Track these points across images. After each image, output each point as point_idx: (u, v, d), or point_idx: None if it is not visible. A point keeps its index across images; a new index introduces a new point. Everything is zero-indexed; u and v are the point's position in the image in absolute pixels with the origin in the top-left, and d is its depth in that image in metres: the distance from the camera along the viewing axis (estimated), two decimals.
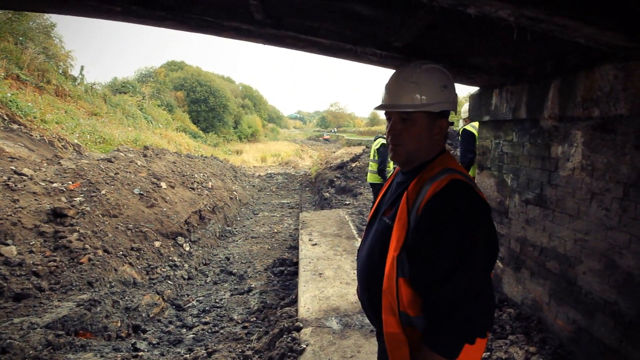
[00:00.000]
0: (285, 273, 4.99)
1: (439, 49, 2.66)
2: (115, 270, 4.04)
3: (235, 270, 5.23)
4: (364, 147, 17.07)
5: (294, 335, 2.72)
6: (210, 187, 8.11)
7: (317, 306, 3.12)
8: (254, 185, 12.15)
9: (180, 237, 5.49)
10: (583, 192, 2.21)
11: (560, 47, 2.33)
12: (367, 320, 2.83)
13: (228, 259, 5.75)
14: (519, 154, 2.87)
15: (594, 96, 2.06)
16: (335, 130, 65.07)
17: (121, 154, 7.22)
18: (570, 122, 2.31)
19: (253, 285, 4.71)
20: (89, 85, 15.17)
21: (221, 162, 12.19)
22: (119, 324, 3.47)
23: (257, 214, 8.95)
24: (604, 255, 2.09)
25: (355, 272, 3.83)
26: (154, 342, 3.42)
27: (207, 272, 5.22)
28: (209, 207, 7.11)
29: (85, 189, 5.01)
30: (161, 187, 6.34)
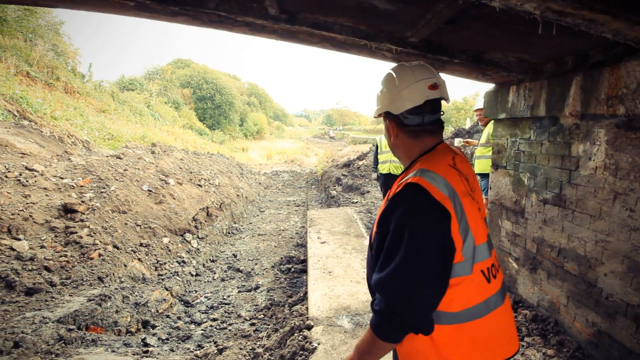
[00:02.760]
0: (292, 270, 4.97)
1: (456, 44, 2.60)
2: (125, 265, 4.05)
3: (243, 267, 5.23)
4: (371, 145, 17.00)
5: (305, 333, 2.70)
6: (217, 184, 8.11)
7: (327, 305, 3.09)
8: (260, 183, 12.15)
9: (188, 234, 5.50)
10: (606, 191, 2.15)
11: (582, 42, 2.26)
12: None
13: (235, 255, 5.75)
14: (537, 152, 2.80)
15: (619, 93, 1.99)
16: (341, 128, 64.99)
17: (129, 150, 7.26)
18: (593, 119, 2.24)
19: (260, 283, 4.70)
20: (97, 82, 15.30)
21: (227, 159, 12.21)
22: (129, 319, 3.48)
23: (264, 211, 8.95)
24: (626, 257, 2.03)
25: (365, 270, 3.81)
26: (164, 338, 3.42)
27: (214, 269, 5.23)
28: (216, 204, 7.12)
29: (95, 185, 5.04)
30: (169, 183, 6.36)
